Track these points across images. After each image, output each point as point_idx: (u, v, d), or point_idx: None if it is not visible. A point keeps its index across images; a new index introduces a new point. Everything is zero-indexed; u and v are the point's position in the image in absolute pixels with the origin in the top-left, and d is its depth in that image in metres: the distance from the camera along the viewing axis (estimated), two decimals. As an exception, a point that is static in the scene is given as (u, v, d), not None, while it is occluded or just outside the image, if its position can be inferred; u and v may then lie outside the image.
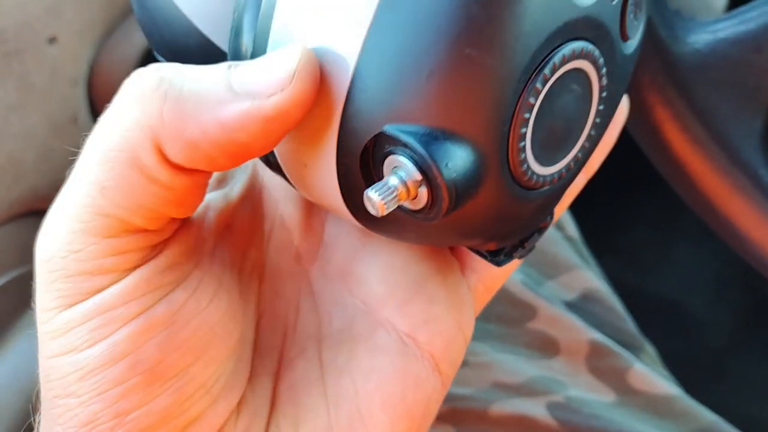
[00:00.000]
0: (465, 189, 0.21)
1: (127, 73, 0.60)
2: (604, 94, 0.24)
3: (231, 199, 0.29)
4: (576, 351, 0.48)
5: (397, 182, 0.21)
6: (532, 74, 0.21)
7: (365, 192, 0.21)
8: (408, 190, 0.21)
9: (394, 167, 0.21)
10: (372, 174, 0.22)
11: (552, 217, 0.28)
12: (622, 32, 0.24)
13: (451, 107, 0.21)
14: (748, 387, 0.91)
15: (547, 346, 0.48)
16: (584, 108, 0.24)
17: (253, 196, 0.30)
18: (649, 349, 0.53)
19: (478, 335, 0.46)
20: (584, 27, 0.22)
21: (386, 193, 0.21)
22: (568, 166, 0.25)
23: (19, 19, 0.53)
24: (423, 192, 0.21)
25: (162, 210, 0.23)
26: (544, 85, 0.22)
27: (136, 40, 0.58)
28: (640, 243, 1.01)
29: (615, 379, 0.47)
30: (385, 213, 0.21)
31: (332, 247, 0.29)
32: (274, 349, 0.28)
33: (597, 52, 0.23)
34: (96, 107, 0.58)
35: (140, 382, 0.23)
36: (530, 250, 0.27)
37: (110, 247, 0.22)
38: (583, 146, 0.25)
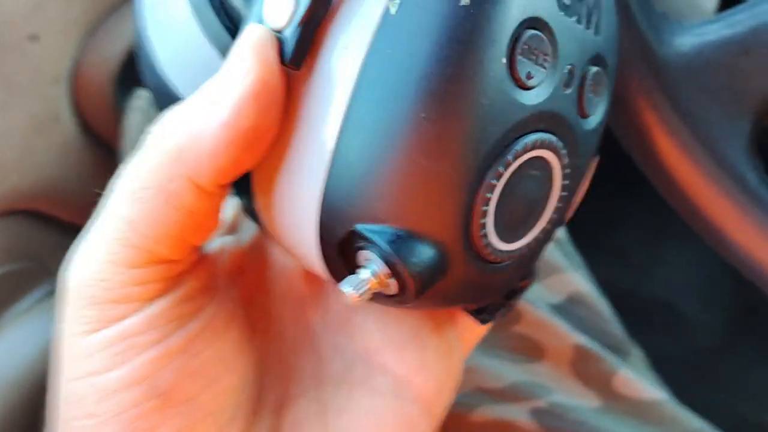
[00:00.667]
0: (430, 278, 0.23)
1: (110, 72, 0.60)
2: (567, 170, 0.25)
3: (242, 244, 0.31)
4: (561, 355, 0.48)
5: (368, 275, 0.23)
6: (486, 173, 0.23)
7: (339, 285, 0.24)
8: (379, 281, 0.23)
9: (367, 260, 0.24)
10: (351, 259, 0.25)
11: (535, 275, 0.30)
12: (580, 112, 0.25)
13: (411, 211, 0.23)
14: (739, 389, 0.91)
15: (531, 351, 0.48)
16: (547, 188, 0.26)
17: (260, 245, 0.32)
18: (636, 353, 0.53)
19: (462, 339, 0.46)
20: (537, 121, 0.24)
21: (359, 285, 0.23)
22: (536, 238, 0.26)
23: (0, 16, 0.53)
24: (392, 282, 0.23)
25: (185, 236, 0.25)
26: (499, 179, 0.23)
27: (120, 39, 0.58)
28: (631, 244, 1.01)
29: (600, 384, 0.47)
30: (360, 303, 0.23)
31: (332, 297, 0.31)
32: (276, 388, 0.30)
33: (554, 138, 0.24)
34: (79, 106, 0.57)
35: (155, 405, 0.25)
36: (513, 307, 0.30)
37: (136, 277, 0.25)
38: (550, 219, 0.26)
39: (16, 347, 0.54)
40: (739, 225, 0.35)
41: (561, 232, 0.57)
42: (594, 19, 0.25)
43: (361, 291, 0.23)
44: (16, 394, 0.53)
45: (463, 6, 0.22)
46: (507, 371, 0.46)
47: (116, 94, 0.59)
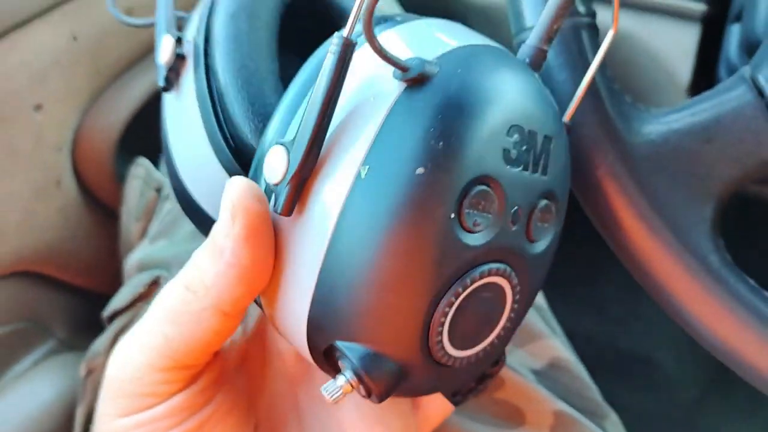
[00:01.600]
0: (393, 386, 0.29)
1: (111, 140, 0.63)
2: (518, 289, 0.30)
3: (247, 333, 0.37)
4: (541, 422, 0.48)
5: (342, 382, 0.28)
6: (439, 303, 0.27)
7: (321, 388, 0.29)
8: (352, 386, 0.28)
9: (343, 367, 0.28)
10: (333, 362, 0.29)
11: (504, 360, 0.34)
12: (528, 238, 0.29)
13: (378, 336, 0.28)
14: (717, 442, 0.91)
15: (512, 416, 0.48)
16: (499, 306, 0.30)
17: (262, 330, 0.38)
18: (614, 417, 0.53)
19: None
20: (484, 255, 0.28)
21: (333, 391, 0.28)
22: (492, 343, 0.31)
23: (6, 87, 0.54)
24: (362, 388, 0.28)
25: (209, 349, 0.31)
26: (451, 307, 0.28)
27: (121, 108, 0.59)
28: (611, 298, 1.01)
29: (579, 449, 0.48)
30: (336, 402, 0.29)
31: (318, 374, 0.36)
32: None
33: (502, 266, 0.28)
34: (80, 172, 0.59)
35: None
36: (484, 389, 0.34)
37: (164, 378, 0.30)
38: (505, 327, 0.31)
39: (16, 407, 0.55)
40: (702, 304, 0.37)
41: (542, 300, 0.58)
42: (542, 162, 0.29)
43: (335, 396, 0.28)
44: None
45: (418, 174, 0.26)
46: (488, 436, 0.46)
47: (116, 161, 0.61)
